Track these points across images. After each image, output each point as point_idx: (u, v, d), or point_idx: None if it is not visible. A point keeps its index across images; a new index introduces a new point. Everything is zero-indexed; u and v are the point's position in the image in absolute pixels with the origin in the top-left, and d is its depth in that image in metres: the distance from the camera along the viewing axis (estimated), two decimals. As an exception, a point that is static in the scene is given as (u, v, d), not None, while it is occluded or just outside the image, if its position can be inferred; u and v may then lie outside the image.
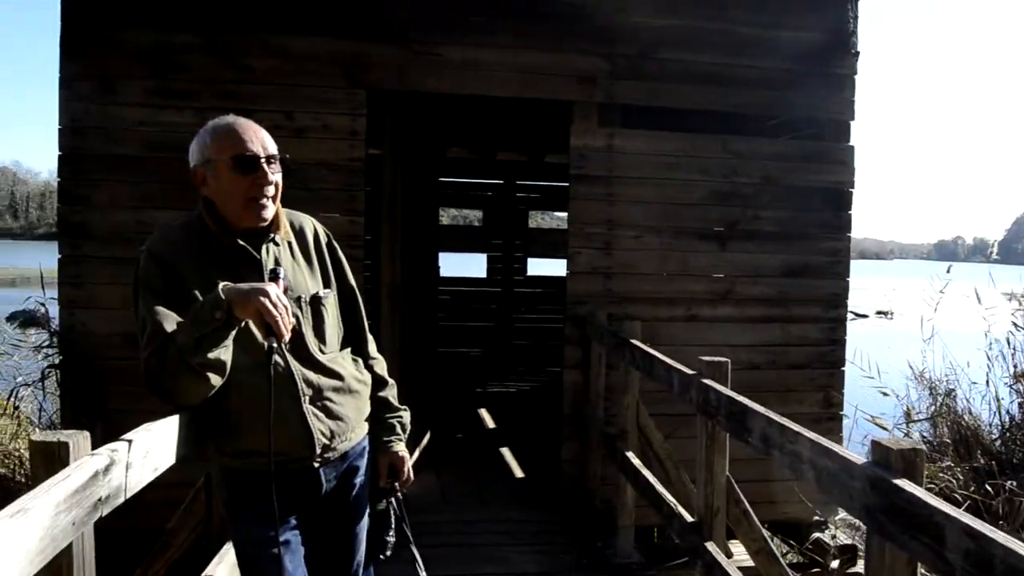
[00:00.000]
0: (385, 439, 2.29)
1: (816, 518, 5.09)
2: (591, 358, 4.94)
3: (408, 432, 2.36)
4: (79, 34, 4.52)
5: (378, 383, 2.29)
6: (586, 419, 4.99)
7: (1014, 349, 5.88)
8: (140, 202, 4.51)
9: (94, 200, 4.53)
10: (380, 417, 2.29)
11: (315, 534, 2.14)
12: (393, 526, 2.27)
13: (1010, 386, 5.88)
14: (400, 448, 2.30)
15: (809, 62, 5.24)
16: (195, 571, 2.55)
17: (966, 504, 4.50)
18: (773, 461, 2.44)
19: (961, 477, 5.12)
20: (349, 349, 2.22)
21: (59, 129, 4.52)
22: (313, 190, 4.50)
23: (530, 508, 5.10)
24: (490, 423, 7.70)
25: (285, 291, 1.94)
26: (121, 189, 4.53)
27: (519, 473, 6.00)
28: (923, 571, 1.96)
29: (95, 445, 1.69)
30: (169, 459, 1.96)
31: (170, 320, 1.87)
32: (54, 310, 4.80)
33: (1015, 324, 5.94)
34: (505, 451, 6.49)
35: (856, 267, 5.61)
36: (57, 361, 4.74)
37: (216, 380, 1.88)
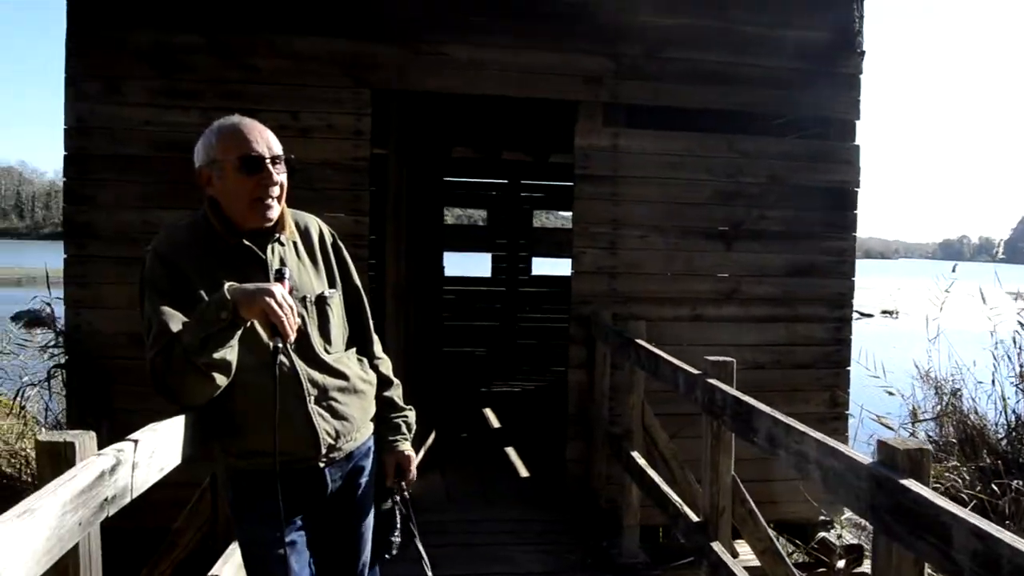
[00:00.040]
0: (391, 439, 2.29)
1: (822, 518, 5.08)
2: (596, 358, 4.94)
3: (414, 432, 2.36)
4: (84, 34, 4.53)
5: (383, 383, 2.30)
6: (591, 419, 4.98)
7: (1020, 348, 5.87)
8: (145, 202, 4.52)
9: (100, 200, 4.54)
10: (385, 417, 2.29)
11: (320, 534, 2.15)
12: (399, 526, 2.27)
13: (1016, 385, 5.87)
14: (406, 447, 2.31)
15: (815, 61, 5.22)
16: (201, 571, 2.55)
17: (972, 504, 4.49)
18: (779, 461, 2.44)
19: (967, 476, 5.12)
20: (354, 349, 2.22)
21: (64, 129, 4.52)
22: (318, 190, 4.50)
23: (535, 508, 5.10)
24: (495, 423, 7.70)
25: (290, 291, 1.94)
26: (127, 189, 4.54)
27: (524, 473, 6.00)
28: (930, 571, 1.95)
29: (101, 445, 1.69)
30: (175, 459, 1.97)
31: (176, 320, 1.88)
32: (60, 310, 4.81)
33: (1021, 323, 5.92)
34: (510, 451, 6.49)
35: (861, 266, 5.59)
36: (63, 361, 4.75)
37: (222, 380, 1.89)
